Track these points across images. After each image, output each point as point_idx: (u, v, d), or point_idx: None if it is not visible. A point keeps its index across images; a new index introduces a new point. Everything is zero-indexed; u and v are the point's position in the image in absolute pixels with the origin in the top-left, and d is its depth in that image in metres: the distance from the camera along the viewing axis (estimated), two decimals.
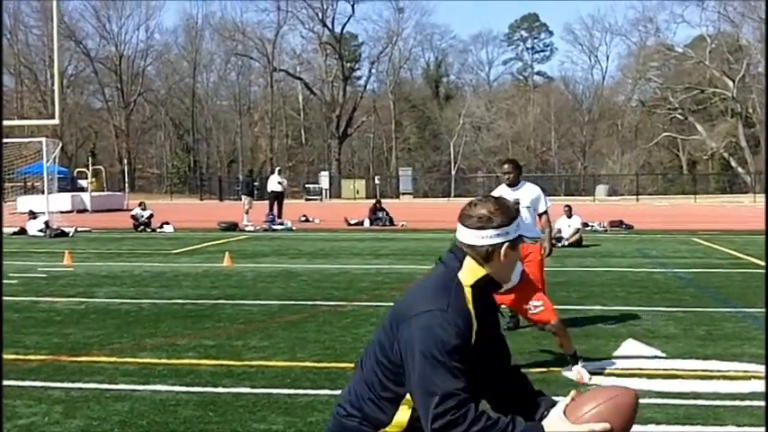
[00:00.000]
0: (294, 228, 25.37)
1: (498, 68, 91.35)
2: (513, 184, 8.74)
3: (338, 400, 2.91)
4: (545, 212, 8.86)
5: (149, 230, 24.77)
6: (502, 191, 8.86)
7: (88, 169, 40.60)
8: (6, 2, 72.01)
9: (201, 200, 56.36)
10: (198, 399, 6.24)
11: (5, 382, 6.70)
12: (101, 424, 5.67)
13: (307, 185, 61.44)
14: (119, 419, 5.76)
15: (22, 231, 23.83)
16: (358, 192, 60.59)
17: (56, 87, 29.64)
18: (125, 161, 59.86)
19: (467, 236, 2.77)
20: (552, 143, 77.68)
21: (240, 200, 30.77)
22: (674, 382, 6.63)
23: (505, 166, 8.88)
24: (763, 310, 8.54)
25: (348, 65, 79.08)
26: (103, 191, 43.94)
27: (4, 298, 11.32)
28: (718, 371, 6.99)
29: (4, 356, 7.63)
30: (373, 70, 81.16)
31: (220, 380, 6.78)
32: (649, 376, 6.83)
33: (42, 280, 13.43)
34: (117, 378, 6.85)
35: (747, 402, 6.03)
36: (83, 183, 42.28)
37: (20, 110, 69.69)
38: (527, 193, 8.74)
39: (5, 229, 24.34)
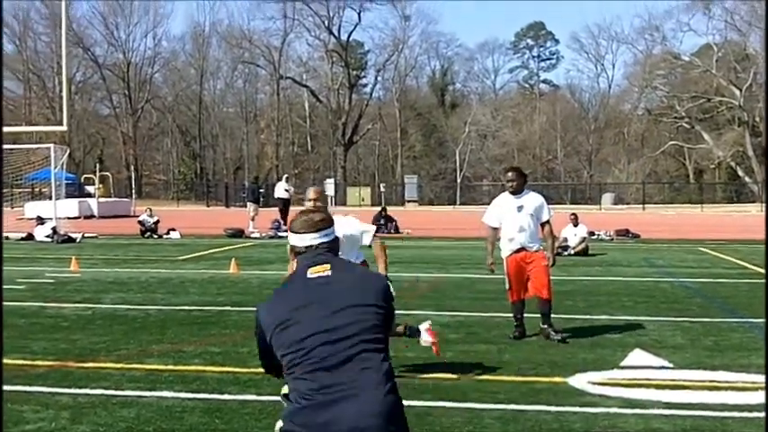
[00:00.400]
0: None
1: (504, 76, 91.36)
2: (516, 192, 8.73)
3: (367, 387, 2.99)
4: (548, 222, 8.83)
5: (156, 237, 24.81)
6: (505, 198, 8.85)
7: (95, 175, 40.68)
8: (16, 8, 72.35)
9: (208, 206, 56.37)
10: (204, 405, 6.26)
11: (13, 388, 6.74)
12: (107, 430, 5.70)
13: None
14: (125, 426, 5.78)
15: (30, 237, 23.90)
16: (363, 199, 60.59)
17: (64, 94, 29.76)
18: (132, 167, 60.04)
19: (324, 237, 3.37)
20: (558, 151, 77.65)
21: (246, 207, 30.81)
22: (681, 393, 6.62)
23: (509, 173, 8.88)
24: None
25: (354, 72, 79.15)
26: (110, 197, 44.00)
27: (12, 303, 11.35)
28: (726, 381, 6.97)
29: (12, 362, 7.65)
30: (379, 78, 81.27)
31: (226, 387, 6.80)
32: (657, 387, 6.81)
33: (49, 285, 13.46)
34: (123, 384, 6.88)
35: (755, 414, 6.01)
36: (90, 189, 42.35)
37: (28, 116, 69.84)
38: (530, 202, 8.73)
39: (12, 235, 24.42)
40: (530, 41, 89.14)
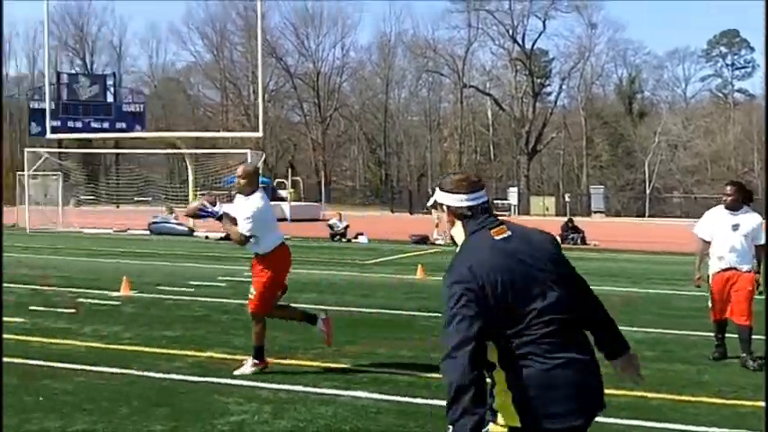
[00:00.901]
0: None
1: (696, 85, 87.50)
2: (732, 208, 8.23)
3: (586, 345, 3.06)
4: (764, 245, 8.29)
5: (344, 240, 25.53)
6: (718, 212, 8.39)
7: (287, 180, 42.26)
8: (214, 20, 76.62)
9: (393, 212, 57.30)
10: (397, 408, 6.35)
11: (217, 380, 7.13)
12: (307, 426, 5.89)
13: (495, 201, 61.21)
14: (323, 423, 5.96)
15: (228, 237, 25.09)
16: (548, 209, 59.81)
17: (260, 102, 31.19)
18: (321, 173, 61.96)
19: (485, 195, 3.26)
20: (755, 164, 73.50)
21: (430, 213, 31.10)
22: None
23: (728, 187, 8.36)
24: None
25: (538, 81, 78.25)
26: (301, 201, 45.56)
27: (215, 300, 12.01)
28: None
29: (216, 355, 8.08)
30: (564, 86, 79.85)
31: (418, 391, 6.88)
32: None
33: (248, 284, 14.08)
34: (321, 382, 7.09)
35: None
36: (282, 193, 44.00)
37: (225, 122, 73.69)
38: (747, 221, 8.20)
39: (212, 235, 25.87)
40: (723, 49, 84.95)
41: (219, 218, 7.52)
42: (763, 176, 57.68)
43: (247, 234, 7.42)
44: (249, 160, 28.29)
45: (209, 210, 7.56)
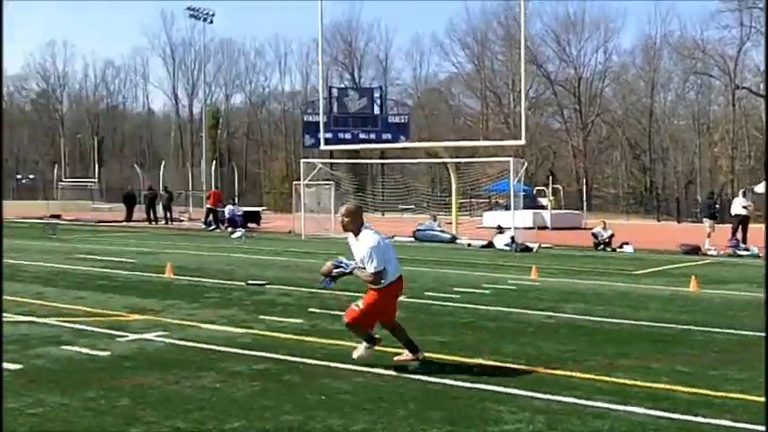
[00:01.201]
0: (761, 254, 23.66)
1: None
2: None
3: None
4: None
5: (608, 250, 24.90)
6: None
7: (548, 188, 41.90)
8: (475, 30, 77.63)
9: (658, 221, 55.01)
10: (676, 426, 6.10)
11: (489, 387, 7.18)
12: None
13: None
14: None
15: (490, 245, 25.52)
16: None
17: (522, 110, 31.19)
18: (582, 180, 60.83)
19: None
20: None
21: (700, 222, 29.65)
22: None
23: None
24: None
25: None
26: (561, 209, 44.98)
27: (480, 307, 12.15)
28: None
29: (486, 362, 8.15)
30: None
31: (698, 409, 6.56)
32: None
33: (512, 292, 14.14)
34: (594, 395, 6.93)
35: None
36: (542, 201, 43.67)
37: (485, 131, 74.39)
38: None
39: (474, 242, 26.27)
40: None
41: (351, 271, 7.81)
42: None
43: (376, 270, 7.64)
44: (512, 168, 28.34)
45: (344, 263, 7.89)
